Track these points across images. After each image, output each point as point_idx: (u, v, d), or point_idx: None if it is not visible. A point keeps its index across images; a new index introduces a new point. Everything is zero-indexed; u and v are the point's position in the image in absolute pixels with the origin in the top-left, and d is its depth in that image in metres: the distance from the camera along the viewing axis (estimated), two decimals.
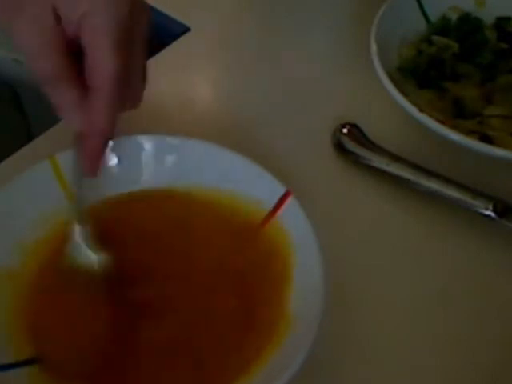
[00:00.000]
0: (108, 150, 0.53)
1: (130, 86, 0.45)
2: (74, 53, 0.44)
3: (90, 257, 0.48)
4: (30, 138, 0.61)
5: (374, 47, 0.59)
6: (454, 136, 0.54)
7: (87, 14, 0.43)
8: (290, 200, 0.50)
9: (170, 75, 0.67)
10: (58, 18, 0.43)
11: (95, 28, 0.43)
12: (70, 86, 0.43)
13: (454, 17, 0.67)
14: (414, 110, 0.55)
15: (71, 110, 0.44)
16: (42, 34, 0.43)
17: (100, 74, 0.43)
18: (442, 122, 0.55)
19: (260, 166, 0.52)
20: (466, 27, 0.66)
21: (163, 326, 0.47)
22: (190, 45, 0.70)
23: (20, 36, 0.43)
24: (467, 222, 0.55)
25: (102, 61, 0.43)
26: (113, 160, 0.53)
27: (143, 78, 0.46)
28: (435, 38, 0.65)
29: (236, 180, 0.52)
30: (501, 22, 0.67)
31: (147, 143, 0.54)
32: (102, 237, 0.49)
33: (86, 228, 0.48)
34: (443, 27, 0.66)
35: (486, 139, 0.56)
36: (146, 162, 0.54)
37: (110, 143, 0.53)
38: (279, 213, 0.50)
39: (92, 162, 0.46)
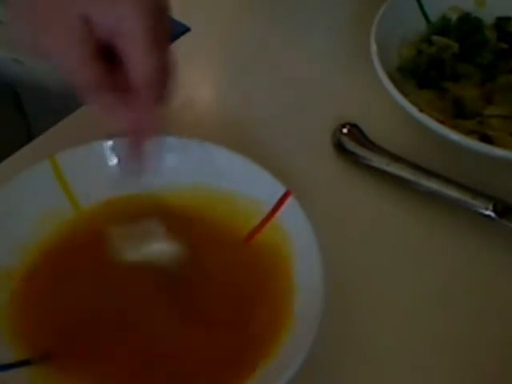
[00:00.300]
0: (108, 149, 0.53)
1: (167, 78, 0.47)
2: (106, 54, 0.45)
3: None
4: (30, 138, 0.61)
5: (374, 47, 0.59)
6: (454, 136, 0.54)
7: (122, 18, 0.44)
8: (289, 200, 0.50)
9: None
10: (89, 26, 0.44)
11: (130, 31, 0.44)
12: (111, 89, 0.45)
13: (453, 17, 0.67)
14: (414, 110, 0.55)
15: (118, 111, 0.45)
16: (77, 44, 0.44)
17: (141, 73, 0.44)
18: (442, 122, 0.55)
19: (260, 166, 0.52)
20: (466, 27, 0.66)
21: (161, 323, 0.47)
22: (190, 45, 0.70)
23: (52, 49, 0.44)
24: (467, 222, 0.55)
25: (141, 60, 0.44)
26: (113, 160, 0.53)
27: (174, 73, 0.48)
28: (435, 37, 0.65)
29: (236, 180, 0.52)
30: (501, 22, 0.67)
31: (147, 143, 0.54)
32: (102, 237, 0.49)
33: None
34: (443, 27, 0.66)
35: (486, 139, 0.56)
36: (146, 161, 0.54)
37: (110, 143, 0.53)
38: (279, 213, 0.50)
39: (139, 157, 0.47)
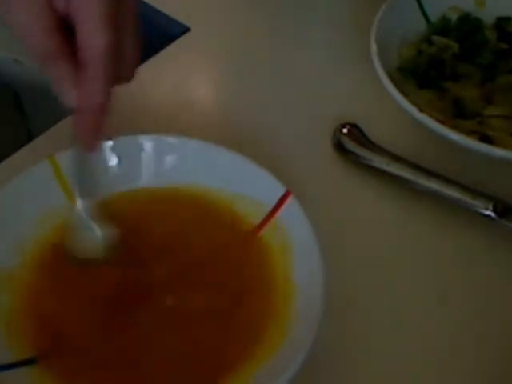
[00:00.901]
0: (108, 148, 0.53)
1: (122, 61, 0.45)
2: (68, 28, 0.44)
3: (96, 231, 0.47)
4: (30, 138, 0.61)
5: (374, 47, 0.59)
6: (454, 136, 0.54)
7: None
8: (289, 200, 0.50)
9: (170, 75, 0.67)
10: None
11: (82, 2, 0.43)
12: (65, 61, 0.43)
13: (453, 17, 0.67)
14: (414, 110, 0.55)
15: (67, 85, 0.44)
16: (33, 10, 0.43)
17: (90, 48, 0.43)
18: (442, 122, 0.55)
19: (260, 166, 0.52)
20: (466, 27, 0.66)
21: (164, 321, 0.47)
22: (190, 45, 0.70)
23: (11, 13, 0.43)
24: (467, 222, 0.55)
25: (91, 35, 0.43)
26: (113, 160, 0.53)
27: (136, 52, 0.46)
28: (435, 38, 0.65)
29: (236, 180, 0.52)
30: (501, 22, 0.67)
31: (147, 143, 0.54)
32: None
33: (89, 203, 0.48)
34: (443, 27, 0.66)
35: (486, 139, 0.56)
36: (146, 162, 0.54)
37: (110, 143, 0.53)
38: (279, 213, 0.50)
39: (89, 136, 0.46)
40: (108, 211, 0.48)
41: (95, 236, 0.47)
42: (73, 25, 0.43)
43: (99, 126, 0.45)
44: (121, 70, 0.45)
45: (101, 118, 0.44)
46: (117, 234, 0.48)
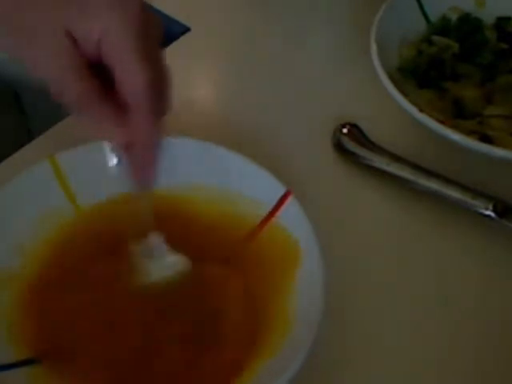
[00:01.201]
0: (108, 149, 0.53)
1: (159, 93, 0.44)
2: (98, 70, 0.44)
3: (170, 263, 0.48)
4: (30, 138, 0.61)
5: (374, 47, 0.59)
6: (454, 136, 0.54)
7: (104, 31, 0.42)
8: (289, 200, 0.50)
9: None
10: (73, 41, 0.43)
11: (116, 45, 0.42)
12: (103, 105, 0.43)
13: (453, 17, 0.67)
14: (414, 110, 0.55)
15: (110, 127, 0.43)
16: (61, 60, 0.42)
17: (134, 88, 0.42)
18: (442, 122, 0.55)
19: (260, 166, 0.52)
20: (466, 27, 0.66)
21: (168, 321, 0.47)
22: (190, 45, 0.70)
23: (38, 66, 0.43)
24: (467, 221, 0.55)
25: (132, 74, 0.42)
26: (113, 160, 0.53)
27: (169, 82, 0.46)
28: (435, 38, 0.65)
29: (236, 180, 0.52)
30: (501, 22, 0.67)
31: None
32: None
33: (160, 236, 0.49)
34: (443, 27, 0.66)
35: (486, 139, 0.56)
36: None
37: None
38: (279, 213, 0.50)
39: (145, 173, 0.46)
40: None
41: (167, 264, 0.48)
42: (108, 68, 0.43)
43: (153, 161, 0.45)
44: (161, 102, 0.45)
45: (154, 153, 0.44)
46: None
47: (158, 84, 0.44)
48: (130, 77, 0.42)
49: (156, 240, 0.48)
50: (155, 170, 0.45)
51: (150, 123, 0.43)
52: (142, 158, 0.45)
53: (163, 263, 0.48)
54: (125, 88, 0.43)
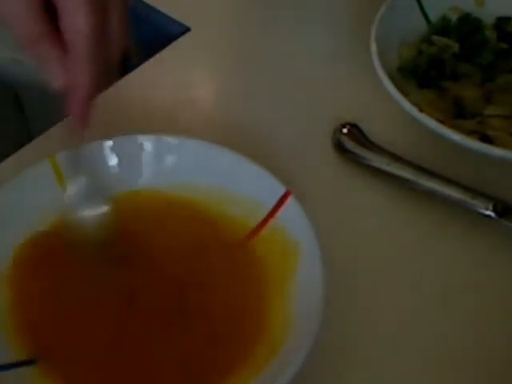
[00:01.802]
0: (108, 148, 0.53)
1: (108, 44, 0.45)
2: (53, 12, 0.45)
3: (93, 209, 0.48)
4: (30, 138, 0.61)
5: (373, 47, 0.59)
6: (454, 136, 0.54)
7: None
8: (289, 200, 0.50)
9: (169, 75, 0.67)
10: None
11: None
12: (51, 44, 0.44)
13: (453, 17, 0.67)
14: (414, 110, 0.55)
15: (54, 66, 0.45)
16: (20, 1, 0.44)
17: (74, 32, 0.43)
18: (442, 122, 0.55)
19: (260, 166, 0.52)
20: (466, 27, 0.66)
21: (163, 320, 0.47)
22: (190, 45, 0.70)
23: (1, 3, 0.44)
24: (467, 221, 0.55)
25: (74, 18, 0.43)
26: (113, 160, 0.53)
27: (122, 37, 0.46)
28: (435, 38, 0.65)
29: (236, 180, 0.52)
30: (501, 22, 0.67)
31: (147, 143, 0.54)
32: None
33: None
34: (443, 27, 0.66)
35: (486, 139, 0.56)
36: (146, 162, 0.54)
37: (110, 143, 0.53)
38: (279, 213, 0.50)
39: (79, 114, 0.46)
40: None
41: (93, 214, 0.48)
42: (56, 7, 0.44)
43: (87, 103, 0.45)
44: (107, 54, 0.45)
45: (87, 95, 0.45)
46: (112, 212, 0.48)
47: (100, 33, 0.44)
48: (72, 20, 0.43)
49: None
50: (88, 113, 0.46)
51: (85, 67, 0.44)
52: (73, 100, 0.45)
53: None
54: (66, 30, 0.44)
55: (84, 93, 0.45)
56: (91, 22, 0.43)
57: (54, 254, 0.50)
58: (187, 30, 0.71)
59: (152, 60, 0.68)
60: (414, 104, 0.56)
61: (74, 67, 0.44)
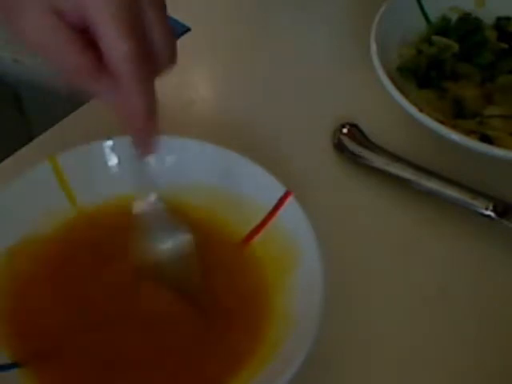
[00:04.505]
0: (108, 148, 0.53)
1: (156, 57, 0.44)
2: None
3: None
4: (30, 138, 0.61)
5: (373, 47, 0.59)
6: (454, 136, 0.54)
7: (86, 5, 0.41)
8: (289, 200, 0.50)
9: (169, 75, 0.67)
10: (60, 14, 0.42)
11: (94, 10, 0.41)
12: (99, 75, 0.43)
13: (454, 17, 0.67)
14: (413, 110, 0.55)
15: (109, 95, 0.43)
16: (51, 31, 0.42)
17: (115, 59, 0.42)
18: (442, 122, 0.55)
19: (260, 166, 0.52)
20: (466, 27, 0.66)
21: (162, 320, 0.47)
22: (190, 45, 0.70)
23: (29, 36, 0.43)
24: (467, 222, 0.55)
25: (112, 45, 0.41)
26: (113, 160, 0.53)
27: (168, 38, 0.45)
28: (435, 38, 0.65)
29: (236, 180, 0.52)
30: (501, 22, 0.67)
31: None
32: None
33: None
34: (443, 27, 0.66)
35: (486, 139, 0.56)
36: (146, 161, 0.54)
37: (110, 143, 0.53)
38: (279, 213, 0.50)
39: (144, 143, 0.46)
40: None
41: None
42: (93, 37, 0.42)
43: (149, 127, 0.44)
44: (158, 65, 0.44)
45: (147, 119, 0.44)
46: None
47: (143, 48, 0.42)
48: (111, 47, 0.42)
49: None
50: (151, 137, 0.45)
51: (137, 94, 0.43)
52: (134, 124, 0.44)
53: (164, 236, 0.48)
54: (108, 59, 0.42)
55: (141, 120, 0.44)
56: (130, 44, 0.41)
57: (58, 257, 0.50)
58: (187, 30, 0.71)
59: None
60: (414, 104, 0.56)
61: (126, 97, 0.43)
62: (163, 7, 0.44)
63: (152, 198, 0.48)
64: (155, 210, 0.48)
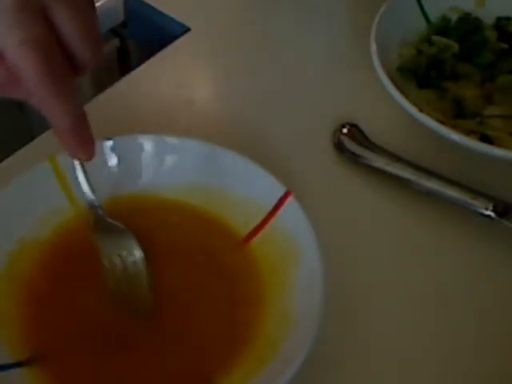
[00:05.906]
0: (108, 148, 0.53)
1: (74, 54, 0.41)
2: None
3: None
4: (30, 137, 0.61)
5: (373, 47, 0.59)
6: (454, 136, 0.54)
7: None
8: (289, 200, 0.50)
9: (170, 75, 0.67)
10: None
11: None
12: (15, 86, 0.41)
13: (454, 17, 0.67)
14: (413, 110, 0.55)
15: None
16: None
17: (24, 81, 0.40)
18: (442, 122, 0.55)
19: (260, 166, 0.52)
20: (466, 27, 0.66)
21: (159, 321, 0.47)
22: (190, 45, 0.70)
23: None
24: (467, 222, 0.55)
25: (16, 64, 0.39)
26: (113, 160, 0.53)
27: (85, 36, 0.41)
28: (435, 38, 0.65)
29: (236, 180, 0.52)
30: (501, 21, 0.67)
31: (147, 143, 0.54)
32: None
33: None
34: (443, 27, 0.66)
35: (486, 139, 0.56)
36: (146, 162, 0.54)
37: (110, 143, 0.53)
38: (279, 213, 0.50)
39: (77, 150, 0.44)
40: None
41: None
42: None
43: (77, 140, 0.43)
44: (78, 65, 0.42)
45: (72, 135, 0.43)
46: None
47: (55, 57, 0.40)
48: (16, 68, 0.39)
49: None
50: (86, 145, 0.44)
51: (54, 110, 0.41)
52: (65, 138, 0.43)
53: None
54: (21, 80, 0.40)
55: (66, 136, 0.42)
56: (35, 60, 0.38)
57: (58, 257, 0.50)
58: (187, 30, 0.71)
59: (152, 60, 0.68)
60: (414, 104, 0.56)
61: (45, 108, 0.41)
62: (76, 2, 0.41)
63: (96, 209, 0.49)
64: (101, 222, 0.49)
